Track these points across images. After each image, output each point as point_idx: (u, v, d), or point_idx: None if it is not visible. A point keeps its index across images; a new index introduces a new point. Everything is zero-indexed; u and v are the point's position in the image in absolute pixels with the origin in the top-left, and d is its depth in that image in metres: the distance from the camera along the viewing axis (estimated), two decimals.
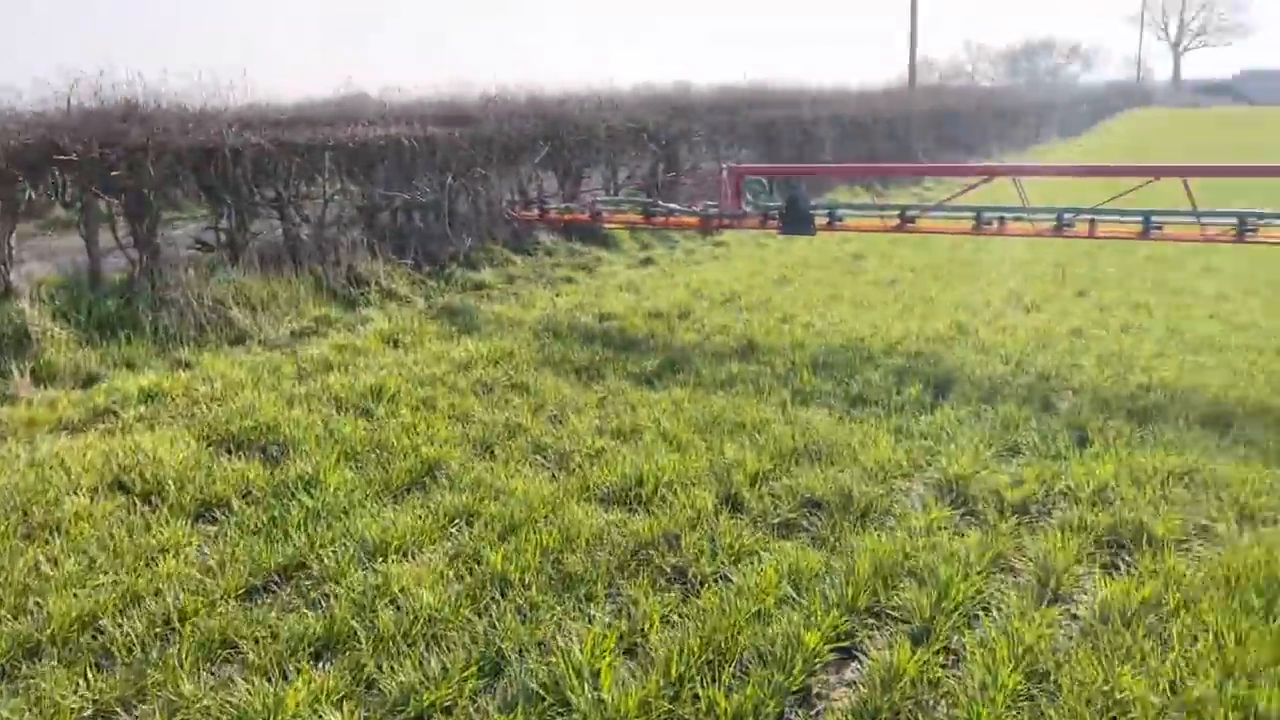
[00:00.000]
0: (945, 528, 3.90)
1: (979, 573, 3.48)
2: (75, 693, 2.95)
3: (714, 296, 8.73)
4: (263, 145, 8.38)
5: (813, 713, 2.87)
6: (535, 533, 3.84)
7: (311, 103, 14.24)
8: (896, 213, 7.42)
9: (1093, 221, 6.75)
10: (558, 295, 9.08)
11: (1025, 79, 70.33)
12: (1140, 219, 6.59)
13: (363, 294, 8.51)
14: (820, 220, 7.65)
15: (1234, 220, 6.33)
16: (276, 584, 3.63)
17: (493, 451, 4.88)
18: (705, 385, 5.90)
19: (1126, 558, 3.62)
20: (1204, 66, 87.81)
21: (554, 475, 4.54)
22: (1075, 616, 3.29)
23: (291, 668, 3.05)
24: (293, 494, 4.33)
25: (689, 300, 8.48)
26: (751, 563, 3.63)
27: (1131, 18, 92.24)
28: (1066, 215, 6.81)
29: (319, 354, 6.77)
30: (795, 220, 7.65)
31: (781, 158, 17.20)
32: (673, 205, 8.39)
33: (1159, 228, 6.55)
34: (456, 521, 4.03)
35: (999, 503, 4.10)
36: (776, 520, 3.99)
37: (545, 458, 4.78)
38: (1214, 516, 3.89)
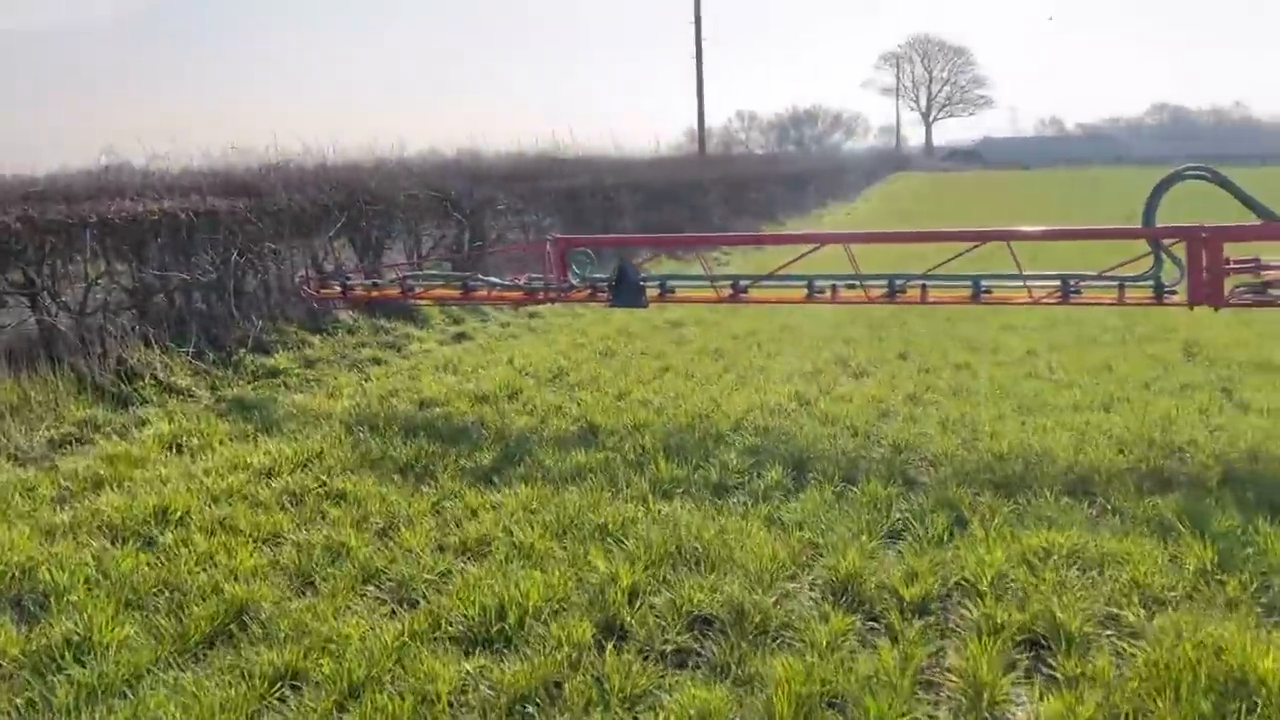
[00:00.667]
0: (852, 640, 3.49)
1: (905, 697, 3.07)
2: None
3: (540, 373, 8.19)
4: (7, 224, 7.20)
5: None
6: (382, 695, 3.13)
7: (68, 173, 12.79)
8: (729, 283, 7.17)
9: (924, 287, 6.72)
10: (366, 380, 8.27)
11: (794, 146, 74.55)
12: (969, 284, 6.61)
13: (136, 390, 7.40)
14: (651, 291, 7.29)
15: (1058, 282, 6.44)
16: None
17: (313, 583, 4.10)
18: (552, 479, 5.32)
19: (1051, 661, 3.32)
20: (950, 133, 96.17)
21: (394, 611, 3.82)
22: None
23: None
24: (59, 664, 3.41)
25: (515, 379, 7.89)
26: (650, 707, 3.08)
27: (886, 90, 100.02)
28: (898, 281, 6.75)
29: (86, 468, 5.71)
30: (626, 292, 7.25)
31: (585, 225, 16.96)
32: (493, 279, 7.82)
33: (988, 291, 6.58)
34: (279, 687, 3.25)
35: (899, 604, 3.74)
36: (667, 647, 3.46)
37: (380, 587, 4.05)
38: (1119, 603, 3.68)
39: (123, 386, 7.39)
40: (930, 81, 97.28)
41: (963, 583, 3.90)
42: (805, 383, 7.54)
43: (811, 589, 3.94)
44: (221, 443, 6.23)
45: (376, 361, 9.07)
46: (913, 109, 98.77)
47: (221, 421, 6.73)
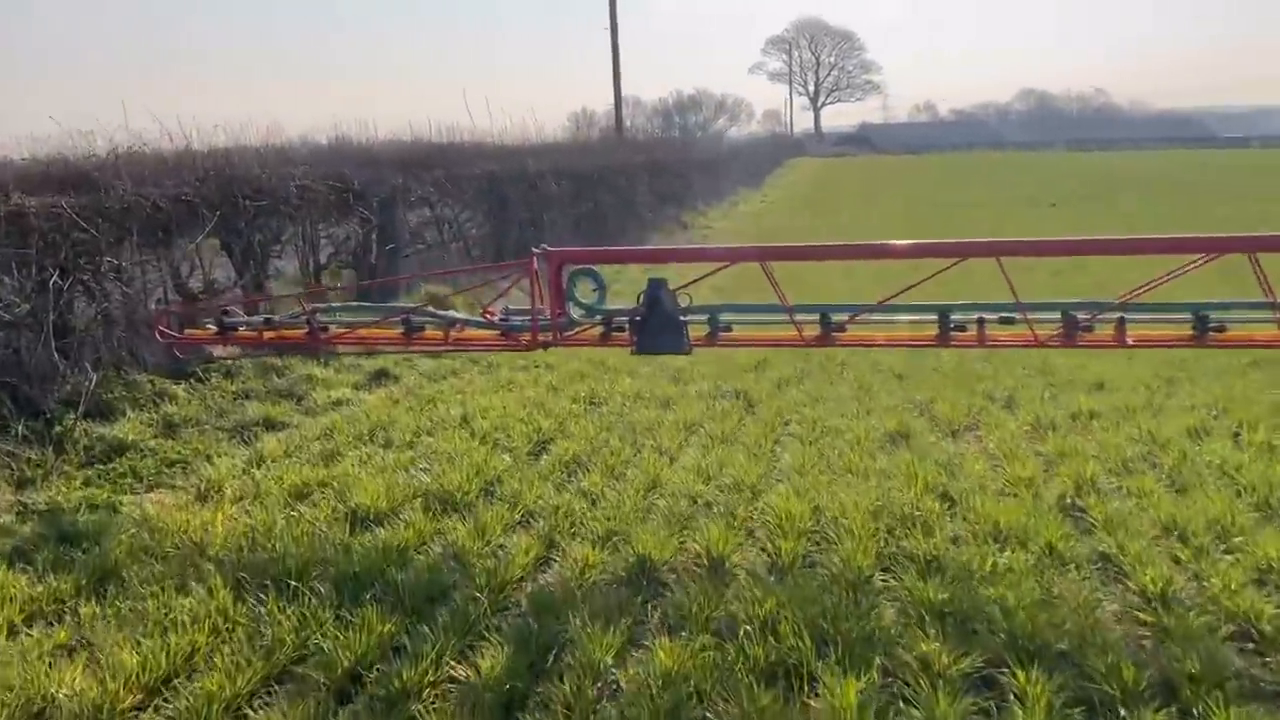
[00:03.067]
0: None
1: None
2: None
3: (515, 442, 5.69)
4: None
5: None
6: None
7: None
8: (816, 317, 4.76)
9: (1121, 320, 4.47)
10: (258, 462, 5.58)
11: (677, 132, 72.39)
12: (1189, 315, 4.40)
13: None
14: (697, 330, 4.84)
15: None
16: None
17: None
18: None
19: None
20: (828, 120, 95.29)
21: None
22: None
23: None
24: None
25: (482, 456, 5.37)
26: None
27: (774, 75, 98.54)
28: (1081, 315, 4.48)
29: None
30: (660, 331, 4.77)
31: (511, 218, 14.33)
32: (453, 313, 5.22)
33: (1220, 328, 4.38)
34: None
35: None
36: None
37: None
38: None
39: None
40: (818, 66, 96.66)
41: None
42: (913, 456, 5.24)
43: None
44: (13, 633, 3.53)
45: (269, 424, 6.36)
46: (801, 94, 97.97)
47: (18, 574, 4.00)
